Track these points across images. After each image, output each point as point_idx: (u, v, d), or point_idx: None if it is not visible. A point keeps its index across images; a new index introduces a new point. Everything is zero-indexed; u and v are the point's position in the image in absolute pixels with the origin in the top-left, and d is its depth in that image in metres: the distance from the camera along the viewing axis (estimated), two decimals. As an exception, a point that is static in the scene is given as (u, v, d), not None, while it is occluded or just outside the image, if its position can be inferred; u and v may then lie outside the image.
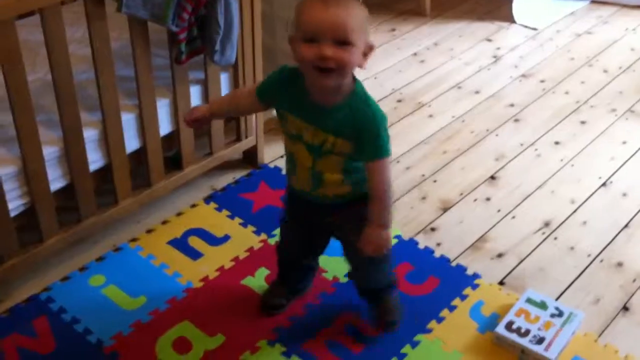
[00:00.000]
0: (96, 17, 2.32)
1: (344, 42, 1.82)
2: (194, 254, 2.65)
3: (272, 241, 2.69)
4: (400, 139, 3.37)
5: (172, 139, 2.78)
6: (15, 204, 2.38)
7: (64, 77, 2.31)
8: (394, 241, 2.71)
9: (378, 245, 2.08)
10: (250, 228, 2.77)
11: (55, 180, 2.46)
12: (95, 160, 2.55)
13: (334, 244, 2.29)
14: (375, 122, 1.95)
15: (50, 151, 2.41)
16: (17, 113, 2.24)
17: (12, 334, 2.32)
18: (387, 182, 2.02)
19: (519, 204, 2.97)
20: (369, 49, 1.91)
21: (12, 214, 2.37)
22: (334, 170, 2.03)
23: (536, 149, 3.32)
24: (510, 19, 4.48)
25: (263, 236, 2.73)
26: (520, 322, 2.36)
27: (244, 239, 2.72)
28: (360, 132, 1.95)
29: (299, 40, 1.86)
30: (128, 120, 2.59)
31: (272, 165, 3.13)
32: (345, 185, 2.07)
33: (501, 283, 2.59)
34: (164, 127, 2.72)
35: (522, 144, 3.35)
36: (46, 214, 2.46)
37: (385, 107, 3.55)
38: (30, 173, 2.35)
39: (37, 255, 2.49)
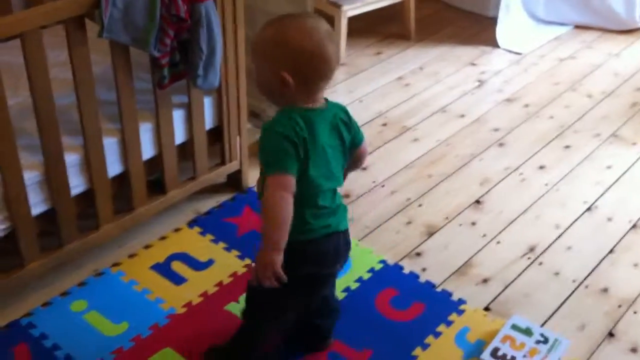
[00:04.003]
0: (77, 41, 2.31)
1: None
2: (177, 279, 2.62)
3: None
4: (385, 162, 3.36)
5: (155, 163, 2.76)
6: (-5, 229, 2.35)
7: (44, 102, 2.29)
8: (378, 266, 2.70)
9: (257, 269, 1.90)
10: (234, 252, 2.75)
11: (37, 205, 2.43)
12: (77, 185, 2.52)
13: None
14: (262, 133, 1.90)
15: (31, 176, 2.38)
16: (-3, 138, 2.22)
17: (-8, 361, 2.29)
18: (268, 203, 1.85)
19: (504, 229, 2.96)
20: (278, 79, 1.85)
21: (-8, 239, 2.35)
22: None
23: (521, 174, 3.32)
24: (494, 44, 4.50)
25: (247, 261, 2.70)
26: (505, 349, 2.35)
27: (228, 263, 2.70)
28: None
29: None
30: (110, 145, 2.57)
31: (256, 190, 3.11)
32: None
33: (487, 309, 2.58)
34: (147, 151, 2.70)
35: (506, 169, 3.35)
36: (27, 239, 2.43)
37: (370, 130, 3.57)
38: (11, 198, 2.32)
39: (18, 279, 2.46)
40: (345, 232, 2.06)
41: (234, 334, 2.22)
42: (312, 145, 1.88)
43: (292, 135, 1.84)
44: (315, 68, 1.86)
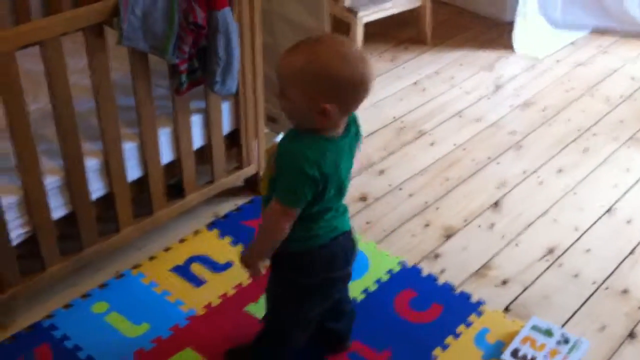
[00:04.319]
0: (96, 48, 2.33)
1: (281, 90, 1.82)
2: (197, 281, 2.64)
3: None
4: (402, 166, 3.37)
5: (173, 167, 2.78)
6: (17, 233, 2.37)
7: (64, 108, 2.32)
8: (397, 268, 2.71)
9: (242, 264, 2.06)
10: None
11: (57, 209, 2.45)
12: (96, 189, 2.54)
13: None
14: (287, 150, 1.86)
15: (51, 180, 2.41)
16: (17, 143, 2.24)
17: (15, 362, 2.31)
18: (268, 224, 1.93)
19: (522, 231, 2.96)
20: (318, 110, 1.78)
21: (14, 243, 2.37)
22: None
23: (538, 177, 3.31)
24: (511, 48, 4.50)
25: (266, 262, 2.71)
26: (526, 350, 2.34)
27: (246, 266, 2.70)
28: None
29: None
30: (129, 149, 2.59)
31: (274, 193, 3.12)
32: None
33: (506, 310, 2.57)
34: (166, 155, 2.71)
35: (524, 172, 3.34)
36: (48, 242, 2.45)
37: (386, 134, 3.57)
38: (32, 202, 2.35)
39: (39, 282, 2.48)
40: (349, 232, 2.07)
41: (257, 335, 2.23)
42: (333, 178, 1.85)
43: (316, 170, 1.79)
44: (357, 96, 1.80)
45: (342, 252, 2.04)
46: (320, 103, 1.76)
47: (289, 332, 2.15)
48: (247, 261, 2.03)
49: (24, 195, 2.34)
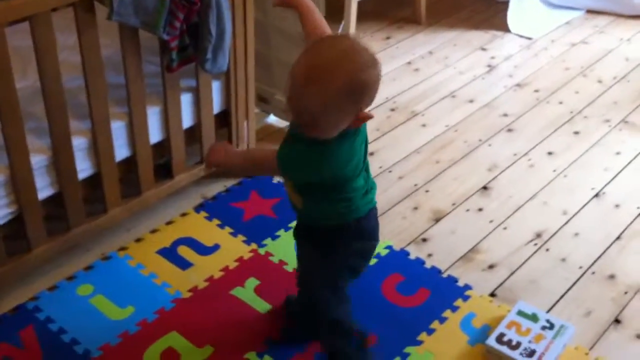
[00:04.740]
0: (86, 24, 2.31)
1: (311, 122, 1.74)
2: (183, 264, 2.63)
3: (262, 251, 2.68)
4: (393, 148, 3.36)
5: (162, 147, 2.76)
6: (2, 213, 2.36)
7: (53, 85, 2.30)
8: (385, 252, 2.71)
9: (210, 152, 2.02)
10: (241, 237, 2.75)
11: (44, 189, 2.44)
12: (84, 168, 2.53)
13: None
14: (312, 153, 1.81)
15: (38, 159, 2.39)
16: (5, 121, 2.22)
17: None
18: (261, 160, 1.98)
19: (511, 215, 2.96)
20: (354, 118, 1.75)
21: (0, 223, 2.35)
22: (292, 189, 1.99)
23: (529, 159, 3.30)
24: (505, 28, 4.47)
25: (253, 246, 2.71)
26: (511, 335, 2.35)
27: (234, 248, 2.70)
28: None
29: None
30: (118, 129, 2.57)
31: (263, 174, 3.12)
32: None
33: (492, 295, 2.57)
34: (155, 135, 2.70)
35: (515, 154, 3.33)
36: (34, 223, 2.44)
37: (378, 115, 3.56)
38: (18, 181, 2.33)
39: (24, 264, 2.47)
40: (376, 207, 2.08)
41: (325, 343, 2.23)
42: (356, 164, 1.88)
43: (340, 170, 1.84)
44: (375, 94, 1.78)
45: (375, 223, 2.06)
46: (359, 112, 1.74)
47: (343, 315, 2.15)
48: (221, 162, 2.04)
49: (10, 174, 2.32)
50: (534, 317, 2.41)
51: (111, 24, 2.39)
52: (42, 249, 2.50)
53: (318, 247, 2.03)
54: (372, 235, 2.06)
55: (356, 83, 1.68)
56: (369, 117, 1.76)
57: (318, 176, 1.85)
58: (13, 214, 2.39)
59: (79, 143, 2.49)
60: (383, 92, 3.79)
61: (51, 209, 2.50)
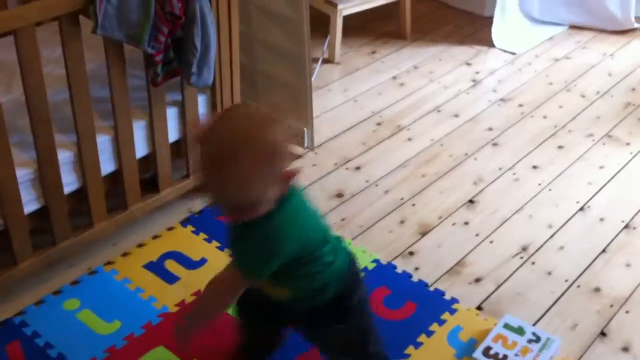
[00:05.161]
0: (71, 37, 2.31)
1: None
2: (170, 278, 2.62)
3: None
4: (379, 162, 3.36)
5: (148, 161, 2.76)
6: (-13, 227, 2.35)
7: (37, 99, 2.29)
8: (372, 265, 2.71)
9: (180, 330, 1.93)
10: (227, 252, 2.74)
11: (29, 203, 2.43)
12: (70, 182, 2.52)
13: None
14: (266, 231, 1.77)
15: (24, 173, 2.38)
16: (-10, 135, 2.22)
17: (-16, 358, 2.29)
18: (224, 296, 1.95)
19: (497, 228, 2.97)
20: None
21: (-15, 237, 2.35)
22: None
23: (514, 173, 3.32)
24: (490, 43, 4.50)
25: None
26: (497, 348, 2.35)
27: (220, 262, 2.67)
28: None
29: None
30: (103, 142, 2.57)
31: (250, 188, 3.11)
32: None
33: (479, 308, 2.58)
34: (140, 149, 2.70)
35: (500, 168, 3.35)
36: (20, 237, 2.43)
37: (364, 130, 3.57)
38: (3, 195, 2.32)
39: (10, 278, 2.46)
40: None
41: None
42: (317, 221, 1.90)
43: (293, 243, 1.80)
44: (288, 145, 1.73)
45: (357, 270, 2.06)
46: (283, 173, 1.72)
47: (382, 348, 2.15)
48: (186, 328, 1.92)
49: (-4, 188, 2.32)
50: (520, 330, 2.42)
51: (96, 38, 2.39)
52: (28, 263, 2.48)
53: (333, 320, 1.98)
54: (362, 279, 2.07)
55: (265, 148, 1.64)
56: (294, 174, 1.72)
57: (289, 248, 1.80)
58: (-2, 228, 2.38)
59: (65, 157, 2.48)
60: (369, 107, 3.80)
61: (37, 222, 2.49)
